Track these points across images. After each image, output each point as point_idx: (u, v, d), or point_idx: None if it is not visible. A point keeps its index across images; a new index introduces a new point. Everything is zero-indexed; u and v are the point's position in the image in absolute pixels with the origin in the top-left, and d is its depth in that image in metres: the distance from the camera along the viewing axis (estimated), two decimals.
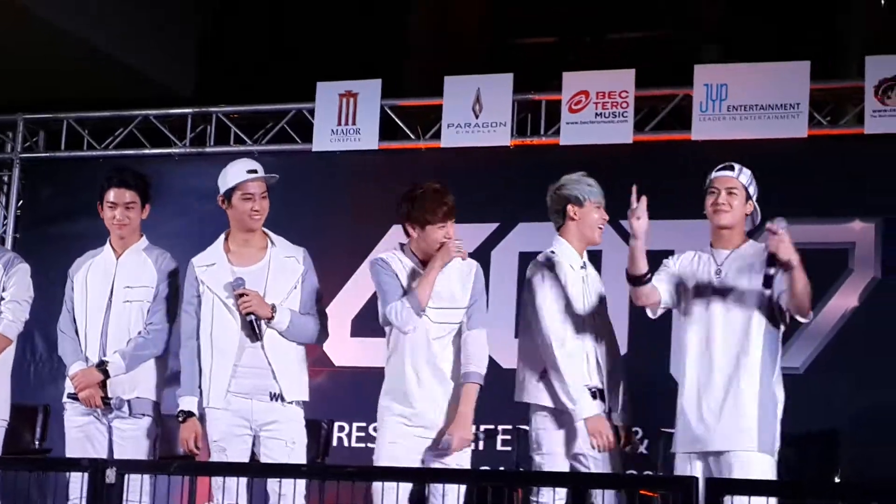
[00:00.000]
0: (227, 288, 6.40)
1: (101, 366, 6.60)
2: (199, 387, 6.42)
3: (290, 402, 6.41)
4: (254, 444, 6.42)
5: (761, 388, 6.11)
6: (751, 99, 9.52)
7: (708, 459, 6.09)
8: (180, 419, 6.41)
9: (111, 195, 6.87)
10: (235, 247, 6.56)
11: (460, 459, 6.29)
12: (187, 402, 6.42)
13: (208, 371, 6.39)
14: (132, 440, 6.57)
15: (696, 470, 6.04)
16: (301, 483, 6.00)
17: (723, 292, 6.19)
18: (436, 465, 6.25)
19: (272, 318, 6.34)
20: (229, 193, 6.53)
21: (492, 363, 9.26)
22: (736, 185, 6.48)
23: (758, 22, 13.37)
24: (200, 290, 6.48)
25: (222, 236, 6.63)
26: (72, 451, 6.60)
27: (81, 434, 6.65)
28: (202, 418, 6.43)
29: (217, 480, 6.00)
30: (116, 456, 6.46)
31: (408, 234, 6.53)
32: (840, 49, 12.46)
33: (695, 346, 6.21)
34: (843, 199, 9.27)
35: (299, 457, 6.36)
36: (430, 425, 6.27)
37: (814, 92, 9.48)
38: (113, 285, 6.76)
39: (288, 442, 6.35)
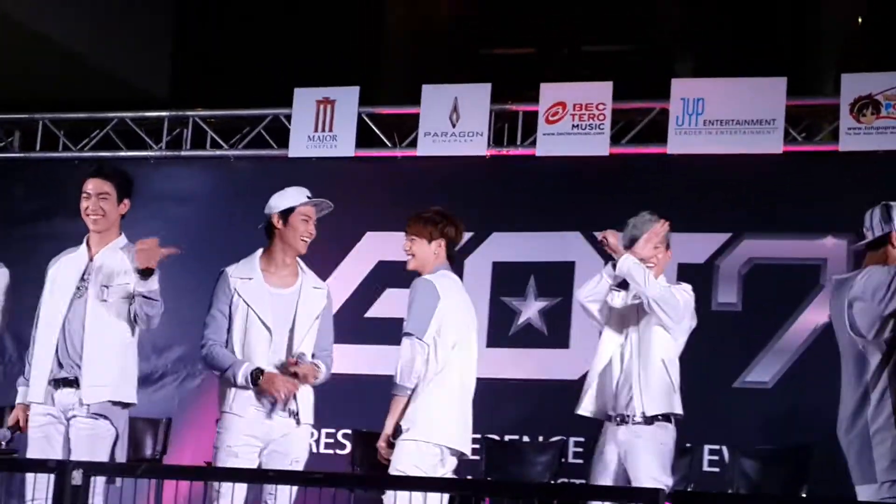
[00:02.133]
0: (265, 305, 6.50)
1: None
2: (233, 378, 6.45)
3: (304, 423, 6.50)
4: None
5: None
6: (727, 114, 9.56)
7: None
8: (256, 375, 6.41)
9: (87, 185, 6.78)
10: (273, 268, 6.62)
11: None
12: (246, 367, 6.43)
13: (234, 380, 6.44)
14: (86, 440, 6.48)
15: None
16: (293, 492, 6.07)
17: None
18: None
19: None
20: (287, 213, 6.61)
21: None
22: None
23: (734, 38, 13.41)
24: (234, 300, 6.52)
25: (258, 253, 6.67)
26: (32, 453, 6.52)
27: (41, 434, 6.57)
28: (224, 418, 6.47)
29: (219, 486, 6.02)
30: (73, 456, 6.39)
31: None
32: (816, 66, 12.51)
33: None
34: (817, 215, 9.31)
35: None
36: None
37: (789, 108, 9.53)
38: (81, 283, 6.66)
39: (293, 460, 6.40)
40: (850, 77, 9.58)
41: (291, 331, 6.53)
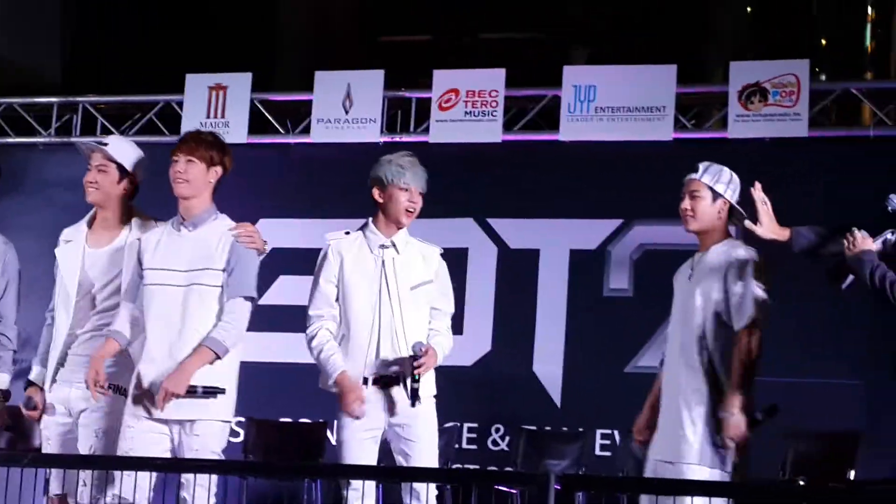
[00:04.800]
0: (74, 267, 6.09)
1: None
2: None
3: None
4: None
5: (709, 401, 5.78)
6: (618, 101, 9.64)
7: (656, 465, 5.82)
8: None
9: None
10: (96, 225, 6.21)
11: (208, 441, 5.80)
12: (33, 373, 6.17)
13: (49, 356, 6.12)
14: None
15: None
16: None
17: (686, 298, 5.95)
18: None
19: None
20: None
21: None
22: (698, 186, 6.11)
23: (628, 27, 13.55)
24: (56, 264, 6.20)
25: (93, 211, 6.26)
26: None
27: None
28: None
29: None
30: None
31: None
32: (706, 55, 12.67)
33: (668, 355, 6.02)
34: None
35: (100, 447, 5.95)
36: None
37: (679, 96, 9.64)
38: None
39: (97, 432, 5.91)
40: (739, 65, 9.72)
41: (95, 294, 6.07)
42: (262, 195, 10.11)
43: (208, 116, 10.29)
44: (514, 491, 7.28)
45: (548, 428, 8.96)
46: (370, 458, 5.99)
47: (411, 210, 6.18)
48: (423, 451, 5.97)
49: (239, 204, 10.01)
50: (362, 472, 5.64)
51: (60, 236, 6.28)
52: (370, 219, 6.23)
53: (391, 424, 5.97)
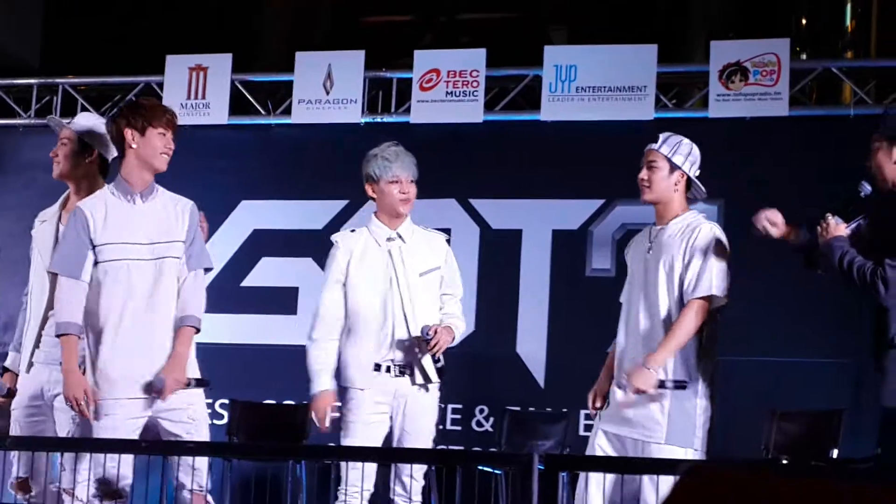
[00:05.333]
0: (47, 247, 6.05)
1: None
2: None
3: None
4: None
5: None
6: (599, 80, 9.63)
7: (624, 442, 5.78)
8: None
9: None
10: (69, 204, 6.16)
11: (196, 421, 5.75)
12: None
13: (24, 336, 6.10)
14: None
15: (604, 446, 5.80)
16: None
17: (648, 273, 5.92)
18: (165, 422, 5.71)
19: None
20: None
21: None
22: (656, 157, 6.01)
23: (608, 5, 13.52)
24: (32, 245, 6.18)
25: (67, 192, 6.28)
26: None
27: None
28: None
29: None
30: None
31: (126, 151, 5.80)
32: (687, 34, 12.65)
33: (621, 330, 5.97)
34: None
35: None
36: None
37: (660, 75, 9.63)
38: None
39: (74, 417, 5.75)
40: (719, 44, 9.71)
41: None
42: (243, 176, 10.10)
43: (189, 97, 10.25)
44: (498, 471, 7.30)
45: (531, 408, 8.98)
46: (376, 440, 6.12)
47: (405, 200, 6.28)
48: (420, 439, 6.13)
49: (220, 185, 10.10)
50: (349, 453, 5.65)
51: (36, 218, 6.27)
52: (372, 214, 6.36)
53: (397, 412, 6.14)
